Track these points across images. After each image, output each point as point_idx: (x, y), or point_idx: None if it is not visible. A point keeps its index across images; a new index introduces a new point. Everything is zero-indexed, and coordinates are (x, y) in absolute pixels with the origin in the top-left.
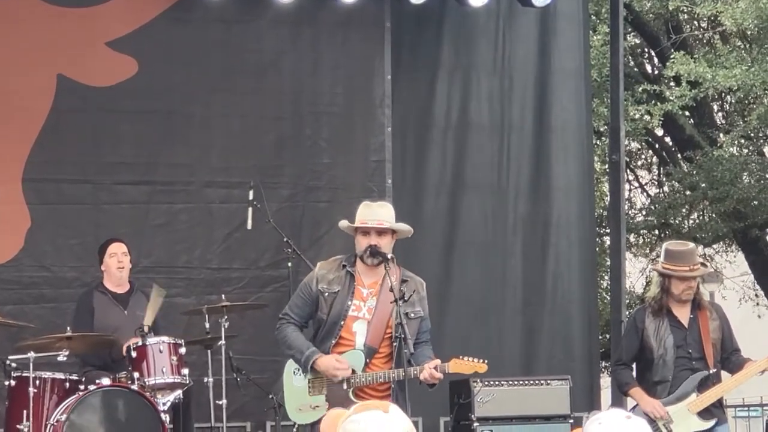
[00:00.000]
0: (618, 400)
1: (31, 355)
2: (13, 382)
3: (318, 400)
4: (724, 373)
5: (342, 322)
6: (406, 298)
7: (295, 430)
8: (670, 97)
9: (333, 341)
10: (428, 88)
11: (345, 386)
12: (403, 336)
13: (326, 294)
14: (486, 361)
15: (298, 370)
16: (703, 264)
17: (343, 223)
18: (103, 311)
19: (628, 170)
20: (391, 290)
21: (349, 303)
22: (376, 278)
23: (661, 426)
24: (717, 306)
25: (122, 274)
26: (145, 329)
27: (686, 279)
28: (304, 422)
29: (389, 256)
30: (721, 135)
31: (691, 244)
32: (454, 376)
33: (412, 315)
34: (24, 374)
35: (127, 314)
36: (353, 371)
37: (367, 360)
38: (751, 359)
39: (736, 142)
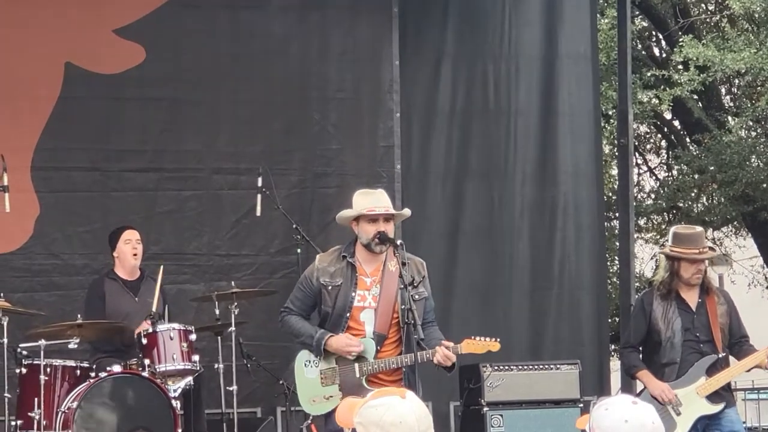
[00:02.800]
0: (628, 384)
1: (42, 342)
2: (24, 370)
3: (331, 390)
4: (733, 360)
5: (348, 314)
6: (415, 284)
7: (309, 421)
8: (679, 80)
9: (341, 333)
10: (434, 74)
11: (358, 374)
12: (413, 322)
13: (329, 287)
14: (498, 340)
15: (309, 362)
16: (711, 248)
17: (347, 213)
18: (115, 298)
19: (636, 154)
20: (401, 277)
21: (353, 294)
22: (377, 264)
23: (670, 409)
24: (725, 291)
25: (136, 261)
26: (156, 316)
27: (695, 262)
28: (319, 413)
29: (398, 242)
30: (730, 118)
31: (699, 228)
32: (464, 361)
33: (417, 297)
34: (35, 362)
35: (138, 301)
36: (365, 359)
37: (378, 347)
38: (758, 350)
39: (744, 125)
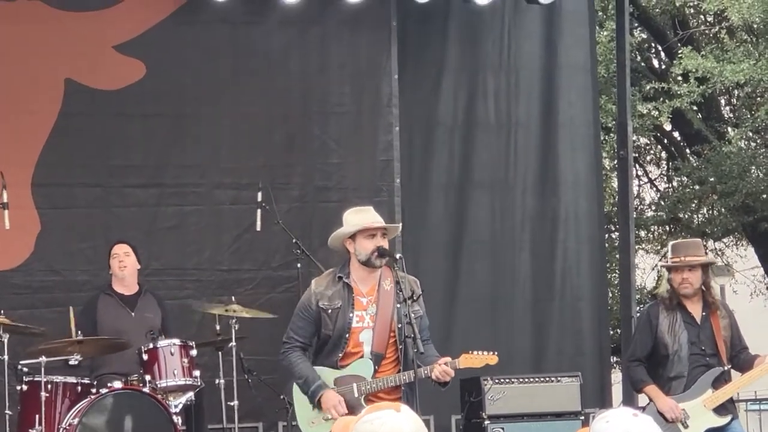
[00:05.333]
0: (629, 396)
1: (43, 359)
2: (24, 387)
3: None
4: (734, 373)
5: (347, 335)
6: (415, 298)
7: None
8: (679, 92)
9: (340, 354)
10: (434, 87)
11: (356, 393)
12: (412, 336)
13: (329, 311)
14: (496, 353)
15: None
16: (699, 256)
17: (344, 230)
18: (109, 314)
19: (636, 165)
20: (401, 291)
21: (351, 315)
22: (373, 283)
23: (678, 424)
24: (725, 304)
25: (124, 273)
26: (156, 332)
27: (679, 270)
28: None
29: (398, 256)
30: (729, 129)
31: (694, 239)
32: (465, 374)
33: (412, 315)
34: (36, 379)
35: (135, 316)
36: (363, 378)
37: (376, 367)
38: (759, 355)
39: (744, 136)
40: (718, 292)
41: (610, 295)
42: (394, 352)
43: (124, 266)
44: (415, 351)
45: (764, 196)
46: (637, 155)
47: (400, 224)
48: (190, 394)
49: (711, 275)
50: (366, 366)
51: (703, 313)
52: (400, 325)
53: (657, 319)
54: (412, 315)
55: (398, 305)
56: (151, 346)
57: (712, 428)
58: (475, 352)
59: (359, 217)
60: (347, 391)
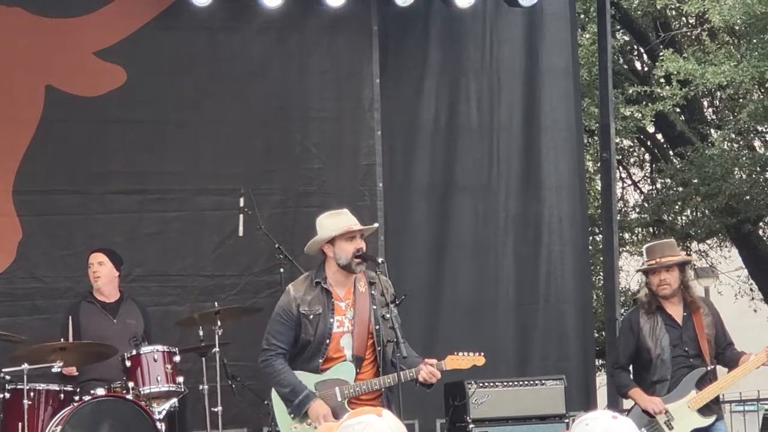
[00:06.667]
0: (614, 399)
1: (25, 366)
2: (7, 395)
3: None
4: (720, 369)
5: (328, 341)
6: (398, 302)
7: None
8: (662, 94)
9: (320, 359)
10: (416, 90)
11: (339, 398)
12: (395, 340)
13: (311, 316)
14: (482, 354)
15: None
16: (674, 256)
17: (324, 234)
18: (92, 321)
19: (620, 168)
20: (382, 295)
21: (332, 321)
22: (348, 287)
23: (662, 424)
24: (708, 301)
25: (98, 283)
26: (139, 338)
27: (655, 272)
28: None
29: (380, 260)
30: (712, 130)
31: (667, 240)
32: (449, 377)
33: (388, 316)
34: (18, 386)
35: (117, 323)
36: (346, 382)
37: (357, 369)
38: (745, 352)
39: (726, 138)
40: (701, 290)
41: (595, 297)
42: (372, 353)
43: (98, 276)
44: (398, 356)
45: (747, 197)
46: (620, 157)
47: (377, 224)
48: (174, 401)
49: (689, 274)
50: (348, 369)
51: (685, 314)
52: (377, 327)
53: (638, 324)
54: (387, 316)
55: (374, 307)
56: (134, 352)
57: (697, 429)
58: (461, 353)
59: (336, 220)
60: (330, 395)
